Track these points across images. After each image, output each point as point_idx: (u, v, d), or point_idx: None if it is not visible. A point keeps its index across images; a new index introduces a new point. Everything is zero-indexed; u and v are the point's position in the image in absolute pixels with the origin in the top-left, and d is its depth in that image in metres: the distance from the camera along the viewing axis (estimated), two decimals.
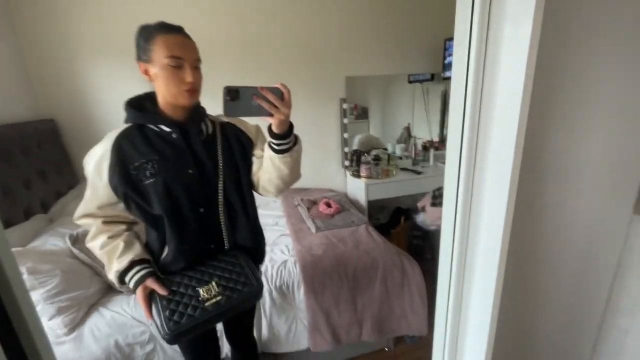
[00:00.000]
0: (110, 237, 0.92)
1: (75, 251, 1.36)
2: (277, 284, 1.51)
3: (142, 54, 0.84)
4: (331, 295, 1.53)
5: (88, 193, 0.91)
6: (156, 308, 0.90)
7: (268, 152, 0.89)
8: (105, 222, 0.93)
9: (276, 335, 1.52)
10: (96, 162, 0.87)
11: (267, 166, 0.92)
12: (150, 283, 0.90)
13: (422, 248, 2.69)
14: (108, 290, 1.48)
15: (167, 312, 0.88)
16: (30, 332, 0.44)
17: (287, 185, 0.97)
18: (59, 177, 2.08)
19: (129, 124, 0.91)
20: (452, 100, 0.63)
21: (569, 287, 0.89)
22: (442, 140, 3.06)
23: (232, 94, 0.75)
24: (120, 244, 0.92)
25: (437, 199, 2.14)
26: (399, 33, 2.67)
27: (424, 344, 1.83)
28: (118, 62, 2.19)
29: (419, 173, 2.59)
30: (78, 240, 1.37)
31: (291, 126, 0.85)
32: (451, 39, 2.69)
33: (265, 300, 1.49)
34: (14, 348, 0.42)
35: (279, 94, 0.78)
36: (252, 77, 2.42)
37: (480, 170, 0.61)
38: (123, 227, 0.96)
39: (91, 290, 1.38)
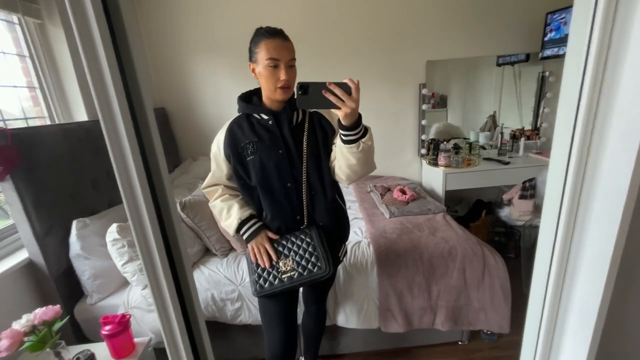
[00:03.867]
0: (230, 196, 1.15)
1: (183, 215, 1.62)
2: (351, 262, 1.57)
3: (251, 56, 1.01)
4: (405, 279, 1.53)
5: (213, 168, 1.13)
6: (249, 269, 1.12)
7: (338, 142, 0.98)
8: (226, 187, 1.16)
9: (348, 312, 1.58)
10: (217, 141, 1.10)
11: (338, 155, 1.01)
12: (267, 233, 1.10)
13: (505, 245, 2.48)
14: (206, 252, 1.73)
15: (255, 275, 1.09)
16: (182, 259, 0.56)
17: (357, 175, 1.04)
18: (167, 157, 2.46)
19: (240, 113, 1.10)
20: (564, 85, 0.53)
21: None
22: (536, 128, 2.73)
23: (304, 89, 0.84)
24: (237, 202, 1.13)
25: (527, 190, 1.95)
26: (488, 9, 2.45)
27: (503, 344, 1.70)
28: (215, 57, 2.48)
29: (505, 163, 2.37)
30: (185, 207, 1.62)
31: (359, 119, 0.91)
32: (554, 12, 2.37)
33: (339, 277, 1.55)
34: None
35: (347, 88, 0.83)
36: (329, 63, 2.50)
37: (594, 165, 0.51)
38: (239, 194, 1.17)
39: (194, 250, 1.63)
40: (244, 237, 1.10)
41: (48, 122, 1.68)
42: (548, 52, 2.34)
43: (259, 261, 1.10)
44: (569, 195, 0.53)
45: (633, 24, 0.43)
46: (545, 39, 2.34)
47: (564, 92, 0.51)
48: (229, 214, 1.11)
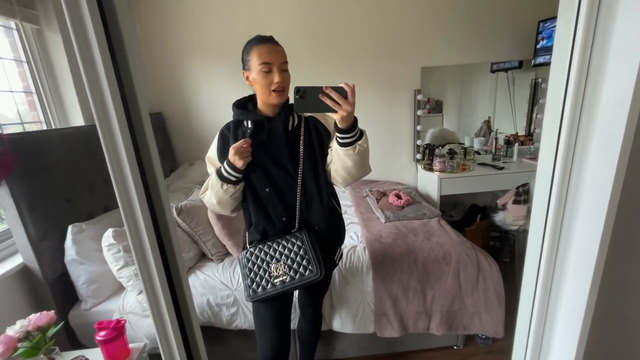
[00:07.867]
0: None
1: (179, 220, 1.62)
2: (347, 266, 1.58)
3: (245, 64, 1.03)
4: (400, 283, 1.54)
5: (210, 172, 1.10)
6: (242, 274, 1.12)
7: (335, 145, 1.00)
8: None
9: (343, 316, 1.58)
10: (212, 147, 1.12)
11: (334, 158, 1.03)
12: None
13: (500, 250, 2.49)
14: (201, 257, 1.73)
15: (248, 280, 1.09)
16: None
17: (353, 178, 1.07)
18: (164, 162, 2.46)
19: (233, 119, 1.11)
20: (550, 90, 0.55)
21: None
22: (529, 134, 2.77)
23: (301, 93, 0.87)
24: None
25: (521, 195, 1.97)
26: (482, 17, 2.50)
27: (498, 348, 1.71)
28: (212, 61, 2.49)
29: (500, 168, 2.39)
30: (182, 211, 1.62)
31: (355, 122, 0.94)
32: (546, 20, 2.41)
33: (335, 281, 1.56)
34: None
35: (343, 92, 0.86)
36: (325, 70, 2.52)
37: (578, 167, 0.53)
38: None
39: (190, 255, 1.63)
40: (225, 167, 1.02)
41: (44, 127, 1.68)
42: (540, 60, 2.38)
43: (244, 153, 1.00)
44: (555, 201, 0.55)
45: (612, 37, 0.45)
46: (538, 46, 2.38)
47: (549, 101, 0.54)
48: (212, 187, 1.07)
